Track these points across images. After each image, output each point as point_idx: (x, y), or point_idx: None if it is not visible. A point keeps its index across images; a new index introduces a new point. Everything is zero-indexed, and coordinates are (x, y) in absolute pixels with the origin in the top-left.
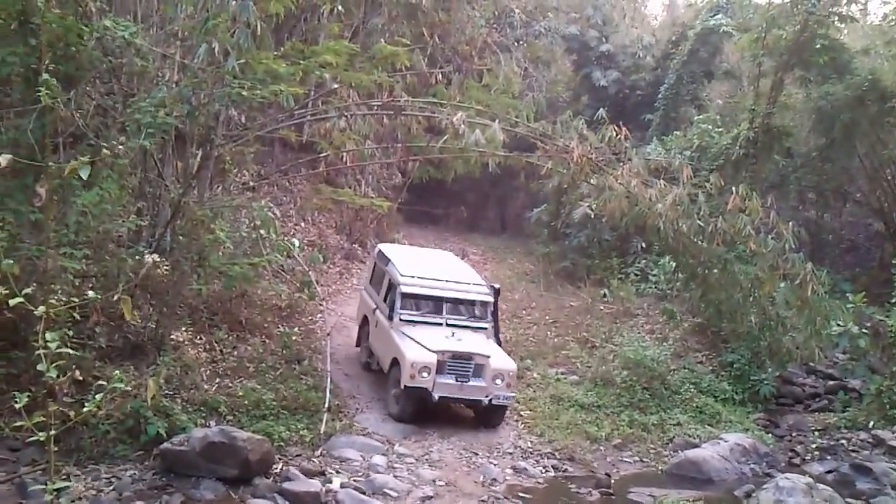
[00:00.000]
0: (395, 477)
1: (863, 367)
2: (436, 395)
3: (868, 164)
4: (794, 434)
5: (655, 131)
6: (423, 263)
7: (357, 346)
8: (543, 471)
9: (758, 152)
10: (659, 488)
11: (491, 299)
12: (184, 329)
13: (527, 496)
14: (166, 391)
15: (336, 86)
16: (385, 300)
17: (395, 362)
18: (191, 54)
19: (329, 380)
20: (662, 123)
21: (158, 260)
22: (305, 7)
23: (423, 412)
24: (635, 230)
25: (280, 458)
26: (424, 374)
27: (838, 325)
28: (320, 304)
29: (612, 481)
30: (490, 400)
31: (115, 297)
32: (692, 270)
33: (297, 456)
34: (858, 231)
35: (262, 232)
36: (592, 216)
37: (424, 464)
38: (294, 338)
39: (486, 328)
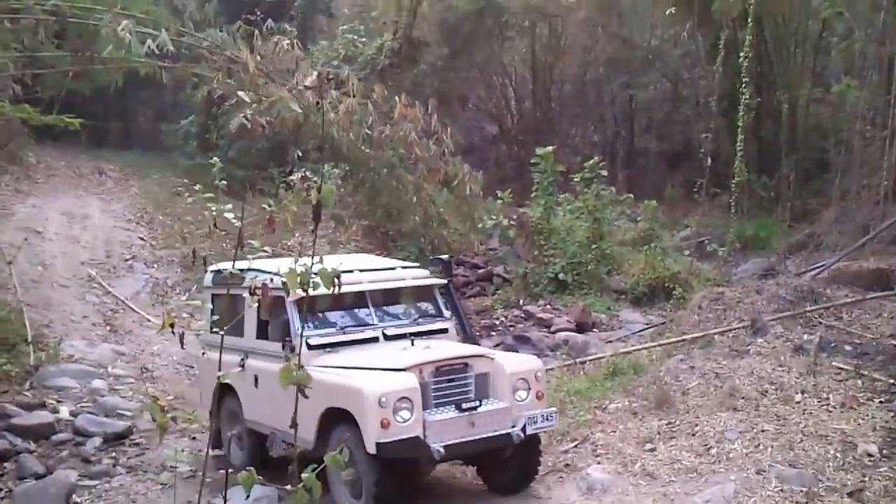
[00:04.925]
0: (122, 397)
1: (511, 255)
2: (438, 447)
3: (485, 72)
4: None
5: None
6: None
7: (216, 446)
8: None
9: (401, 62)
10: None
11: (440, 281)
12: None
13: None
14: None
15: None
16: (264, 335)
17: (334, 418)
18: None
19: (24, 311)
20: (300, 32)
21: None
22: None
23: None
24: (294, 138)
25: None
26: (405, 413)
27: (491, 219)
28: None
29: None
30: (524, 430)
31: None
32: (362, 176)
33: (3, 392)
34: (475, 134)
35: None
36: (249, 127)
37: (146, 381)
38: None
39: (445, 328)
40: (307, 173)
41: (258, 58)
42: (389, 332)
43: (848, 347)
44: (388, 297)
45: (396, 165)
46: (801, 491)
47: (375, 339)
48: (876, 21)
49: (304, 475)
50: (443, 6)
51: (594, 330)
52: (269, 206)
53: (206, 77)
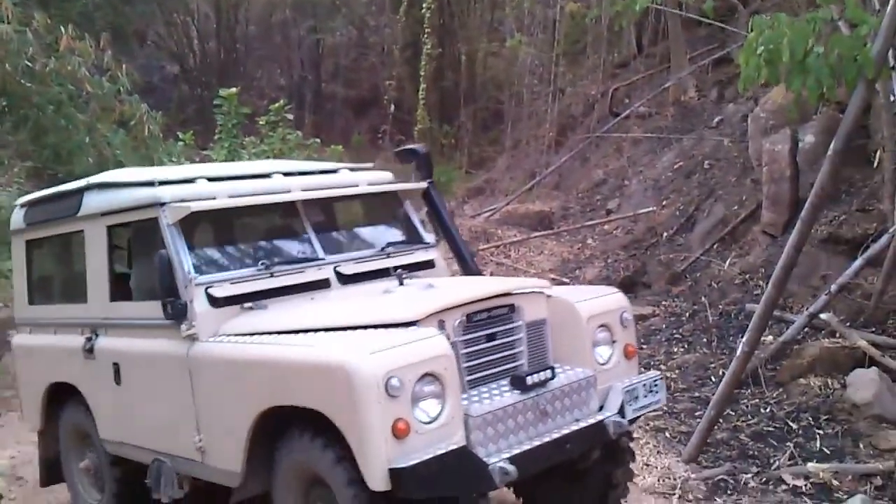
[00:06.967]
0: None
1: None
2: (501, 464)
3: (164, 8)
4: None
5: None
6: (186, 170)
7: (53, 481)
8: None
9: None
10: None
11: (418, 185)
12: None
13: None
14: None
15: None
16: (125, 294)
17: (282, 428)
18: None
19: None
20: None
21: None
22: None
23: None
24: None
25: None
26: (432, 404)
27: (171, 161)
28: None
29: None
30: (622, 412)
31: None
32: (24, 113)
33: None
34: (155, 73)
35: None
36: None
37: None
38: None
39: (430, 260)
40: None
41: None
42: (345, 269)
43: None
44: (336, 214)
45: (65, 102)
46: None
47: (325, 283)
48: None
49: None
50: None
51: None
52: None
53: None
